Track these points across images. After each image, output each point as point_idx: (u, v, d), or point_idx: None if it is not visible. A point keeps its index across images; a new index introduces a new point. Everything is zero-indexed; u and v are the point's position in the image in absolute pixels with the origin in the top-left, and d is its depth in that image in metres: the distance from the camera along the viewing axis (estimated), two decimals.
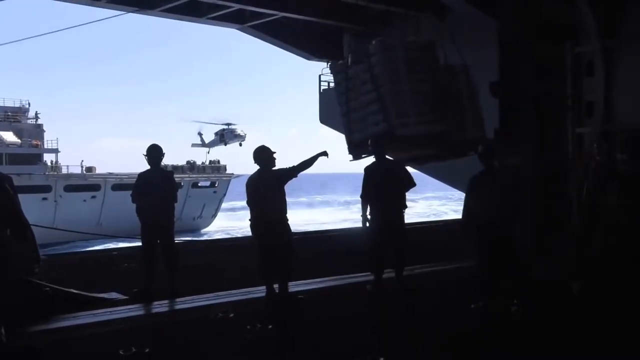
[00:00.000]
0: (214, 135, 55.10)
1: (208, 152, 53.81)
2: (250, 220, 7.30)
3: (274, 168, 7.29)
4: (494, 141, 7.27)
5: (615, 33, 10.70)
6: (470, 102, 9.46)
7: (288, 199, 7.40)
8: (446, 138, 8.82)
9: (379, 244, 7.73)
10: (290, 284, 7.46)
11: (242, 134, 54.83)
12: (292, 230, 7.45)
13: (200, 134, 55.12)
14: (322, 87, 19.70)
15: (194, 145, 54.56)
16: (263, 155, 7.27)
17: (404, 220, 7.94)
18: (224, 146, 54.53)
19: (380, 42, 8.82)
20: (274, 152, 7.30)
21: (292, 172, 7.30)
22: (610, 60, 10.51)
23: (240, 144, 54.75)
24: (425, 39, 9.41)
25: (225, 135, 54.44)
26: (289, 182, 7.31)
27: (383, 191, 7.67)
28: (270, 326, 6.32)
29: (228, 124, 55.05)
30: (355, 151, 9.10)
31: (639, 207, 6.86)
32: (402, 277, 7.78)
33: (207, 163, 52.59)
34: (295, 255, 7.25)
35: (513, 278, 7.03)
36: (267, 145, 7.36)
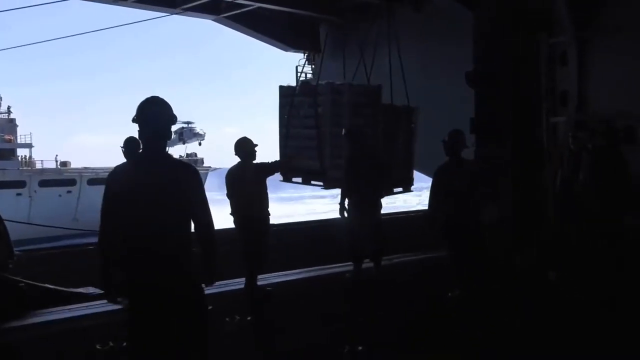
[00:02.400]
0: (172, 135, 54.29)
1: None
2: (231, 214, 7.23)
3: (254, 161, 7.24)
4: (460, 132, 7.36)
5: (589, 24, 10.84)
6: (407, 144, 9.79)
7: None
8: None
9: (358, 235, 7.72)
10: (267, 275, 7.49)
11: (201, 132, 54.15)
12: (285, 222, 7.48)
13: None
14: (300, 79, 19.67)
15: None
16: (244, 147, 7.18)
17: (380, 211, 7.95)
18: (182, 145, 53.56)
19: (329, 85, 9.05)
20: (256, 145, 7.23)
21: (275, 167, 7.26)
22: (583, 51, 10.65)
23: (200, 143, 53.91)
24: (373, 85, 9.55)
25: (184, 134, 53.68)
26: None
27: (363, 182, 7.64)
28: (249, 318, 6.31)
29: (187, 123, 54.21)
30: (288, 175, 9.24)
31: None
32: (381, 267, 7.82)
33: (184, 156, 52.09)
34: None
35: (483, 267, 7.13)
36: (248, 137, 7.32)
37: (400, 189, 9.84)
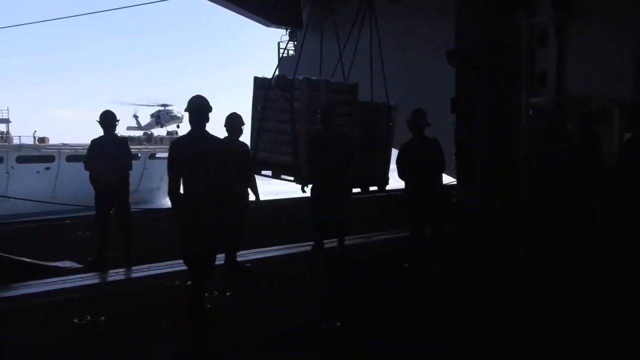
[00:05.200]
0: (150, 118, 53.34)
1: (144, 134, 51.79)
2: None
3: (240, 138, 7.29)
4: (422, 111, 7.43)
5: (568, 4, 10.87)
6: (385, 142, 9.72)
7: None
8: (352, 178, 8.97)
9: (321, 211, 7.83)
10: (246, 251, 7.54)
11: (179, 115, 52.87)
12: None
13: (135, 117, 53.20)
14: (282, 54, 19.56)
15: (129, 128, 52.28)
16: (235, 122, 7.22)
17: (344, 189, 7.97)
18: (160, 128, 52.62)
19: (306, 80, 8.85)
20: (244, 124, 7.28)
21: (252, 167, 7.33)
22: (563, 31, 10.69)
23: (178, 126, 52.76)
24: (350, 83, 9.44)
25: (161, 117, 52.69)
26: None
27: (327, 160, 7.70)
28: (228, 293, 6.35)
29: (164, 105, 53.23)
30: (257, 167, 9.11)
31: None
32: (344, 245, 7.89)
33: (165, 135, 51.45)
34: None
35: (436, 240, 7.31)
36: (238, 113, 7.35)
37: (374, 188, 9.83)
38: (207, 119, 5.71)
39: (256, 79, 9.51)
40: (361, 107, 9.33)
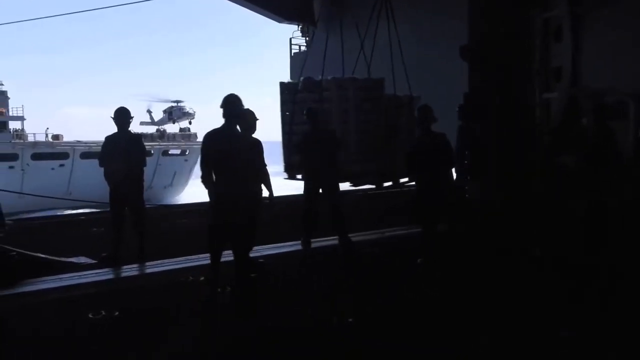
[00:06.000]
0: (162, 113, 53.76)
1: (157, 131, 52.13)
2: None
3: (254, 135, 7.32)
4: (429, 107, 7.45)
5: None
6: (409, 134, 9.71)
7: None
8: (377, 173, 9.01)
9: (312, 205, 8.00)
10: (259, 247, 7.56)
11: (191, 111, 53.32)
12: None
13: (149, 112, 53.63)
14: (293, 51, 19.60)
15: (142, 123, 52.76)
16: (249, 118, 7.24)
17: (337, 183, 8.14)
18: (172, 124, 53.03)
19: (334, 80, 8.88)
20: (257, 119, 7.30)
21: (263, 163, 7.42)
22: (577, 26, 10.58)
23: (190, 122, 53.18)
24: (376, 78, 9.43)
25: (174, 113, 53.06)
26: None
27: (316, 156, 7.85)
28: (240, 289, 6.36)
29: (177, 102, 53.56)
30: (291, 171, 9.15)
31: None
32: (345, 240, 8.01)
33: (178, 131, 51.72)
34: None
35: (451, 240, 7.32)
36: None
37: (405, 179, 9.85)
38: (238, 117, 6.36)
39: (282, 84, 9.53)
40: (386, 101, 9.35)
